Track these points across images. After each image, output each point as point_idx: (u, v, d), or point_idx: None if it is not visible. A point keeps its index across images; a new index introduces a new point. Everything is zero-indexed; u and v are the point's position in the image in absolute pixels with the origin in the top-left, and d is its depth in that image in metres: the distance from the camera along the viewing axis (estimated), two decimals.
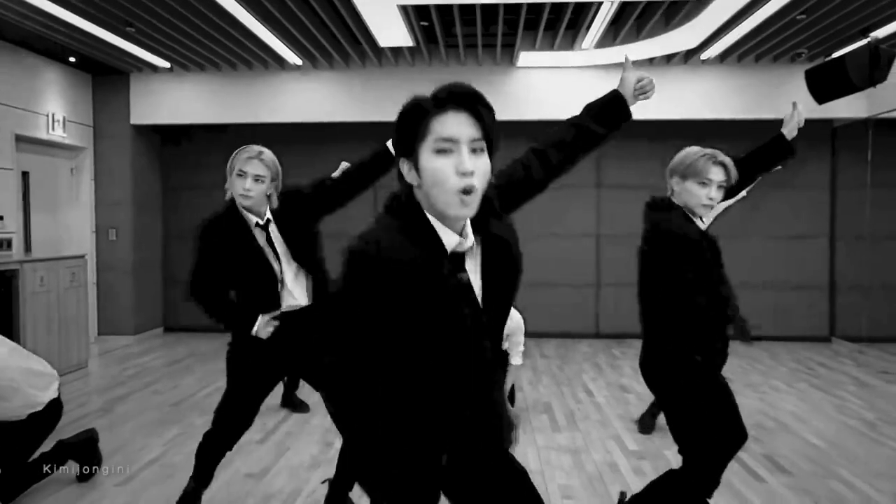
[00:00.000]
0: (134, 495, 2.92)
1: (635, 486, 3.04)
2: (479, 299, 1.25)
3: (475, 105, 1.18)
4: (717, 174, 2.14)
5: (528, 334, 3.72)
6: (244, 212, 2.35)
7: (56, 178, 6.42)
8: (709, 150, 2.21)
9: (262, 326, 2.34)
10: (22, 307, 4.72)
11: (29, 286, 4.78)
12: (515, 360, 3.56)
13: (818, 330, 6.84)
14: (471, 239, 1.24)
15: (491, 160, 1.22)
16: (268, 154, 2.37)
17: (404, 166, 1.22)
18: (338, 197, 2.55)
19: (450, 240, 1.21)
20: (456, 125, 1.16)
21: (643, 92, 1.60)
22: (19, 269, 4.73)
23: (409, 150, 1.19)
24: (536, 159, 1.51)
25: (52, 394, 2.81)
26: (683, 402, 2.10)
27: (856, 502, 2.86)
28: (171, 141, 7.25)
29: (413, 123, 1.19)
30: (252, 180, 2.29)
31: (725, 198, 2.46)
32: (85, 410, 4.22)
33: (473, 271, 1.25)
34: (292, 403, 4.22)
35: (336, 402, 1.25)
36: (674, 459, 3.35)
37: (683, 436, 2.12)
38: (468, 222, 1.24)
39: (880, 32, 5.19)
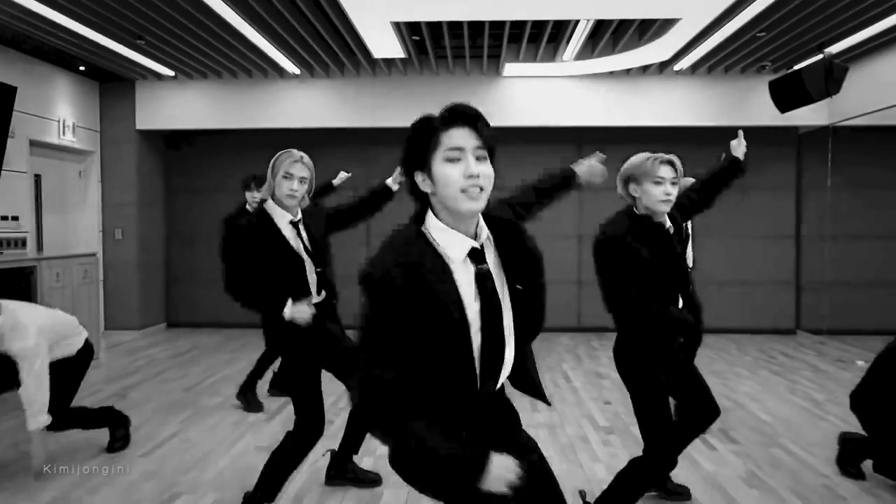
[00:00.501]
0: (158, 463, 3.28)
1: (603, 455, 3.45)
2: (505, 284, 1.42)
3: (475, 122, 1.37)
4: (667, 172, 2.34)
5: None
6: (275, 210, 2.56)
7: (65, 181, 6.75)
8: (653, 154, 2.43)
9: (299, 312, 2.49)
10: (39, 301, 5.05)
11: (46, 282, 5.12)
12: None
13: (784, 323, 7.30)
14: (485, 232, 1.41)
15: (493, 167, 1.40)
16: (307, 158, 2.66)
17: (419, 177, 1.37)
18: (347, 220, 2.99)
19: (462, 246, 1.36)
20: (462, 137, 1.35)
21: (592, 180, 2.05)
22: (37, 265, 5.06)
23: (423, 161, 1.36)
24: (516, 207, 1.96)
25: (84, 335, 3.35)
26: (646, 388, 2.32)
27: (790, 464, 3.29)
28: (172, 145, 7.60)
29: (425, 138, 1.36)
30: (297, 182, 2.57)
31: (685, 218, 2.69)
32: (101, 397, 4.56)
33: (494, 264, 1.41)
34: (280, 387, 4.55)
35: (370, 411, 1.34)
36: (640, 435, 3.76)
37: (646, 421, 2.33)
38: (481, 223, 1.41)
39: (835, 48, 5.64)
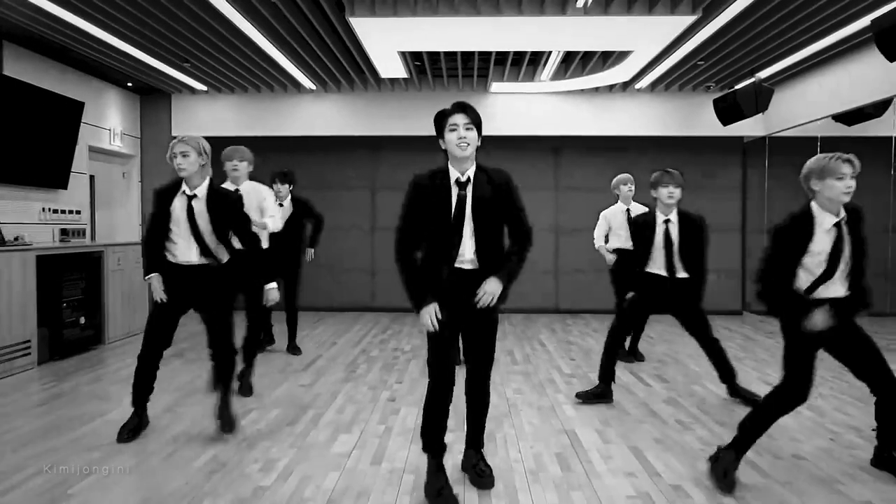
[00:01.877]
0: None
1: (565, 390, 4.55)
2: (471, 205, 2.51)
3: (466, 109, 2.54)
4: (847, 169, 2.70)
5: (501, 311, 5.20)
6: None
7: (112, 181, 7.77)
8: (837, 153, 2.76)
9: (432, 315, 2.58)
10: (105, 281, 6.09)
11: (110, 265, 6.15)
12: None
13: (732, 305, 8.47)
14: (468, 174, 2.55)
15: (479, 136, 2.53)
16: (189, 137, 3.27)
17: (441, 141, 2.56)
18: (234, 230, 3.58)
19: (458, 175, 2.54)
20: (457, 118, 2.51)
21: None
22: (104, 251, 6.09)
23: (440, 132, 2.56)
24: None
25: None
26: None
27: (702, 394, 4.42)
28: None
29: (440, 120, 2.56)
30: (181, 157, 3.19)
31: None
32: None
33: (470, 192, 2.54)
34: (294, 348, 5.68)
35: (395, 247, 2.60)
36: (597, 380, 4.88)
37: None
38: (472, 167, 2.54)
39: (764, 73, 6.82)
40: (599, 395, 4.15)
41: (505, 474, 2.92)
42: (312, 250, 5.86)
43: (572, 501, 2.66)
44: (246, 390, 4.32)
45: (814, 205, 2.80)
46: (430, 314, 2.51)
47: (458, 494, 2.67)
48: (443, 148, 2.58)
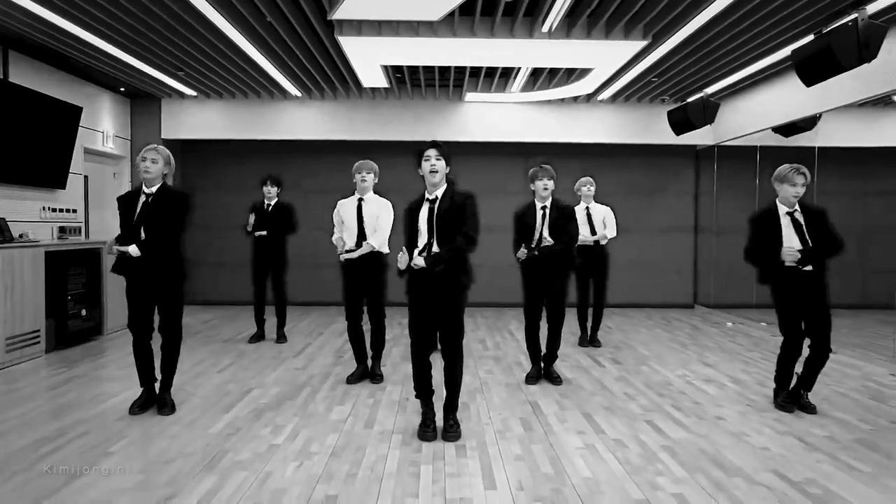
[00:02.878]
0: (230, 376, 4.83)
1: (528, 368, 5.16)
2: (437, 216, 3.38)
3: (437, 145, 3.43)
4: (799, 178, 3.89)
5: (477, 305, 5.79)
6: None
7: (103, 181, 8.12)
8: (795, 165, 3.95)
9: (123, 246, 3.75)
10: (104, 276, 6.49)
11: (109, 261, 6.54)
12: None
13: (685, 299, 9.23)
14: (437, 194, 3.42)
15: (447, 165, 3.43)
16: (162, 148, 3.88)
17: (419, 169, 3.46)
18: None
19: (429, 196, 3.43)
20: (430, 151, 3.42)
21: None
22: (103, 247, 6.49)
23: (419, 161, 3.46)
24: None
25: None
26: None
27: (647, 372, 5.08)
28: (188, 150, 9.02)
29: (419, 153, 3.45)
30: (150, 162, 3.80)
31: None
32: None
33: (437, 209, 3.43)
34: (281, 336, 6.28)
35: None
36: (558, 362, 5.50)
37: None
38: (439, 190, 3.42)
39: (710, 89, 7.55)
40: None
41: (477, 433, 3.50)
42: (262, 233, 6.03)
43: (532, 452, 3.25)
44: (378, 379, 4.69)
45: (777, 201, 4.00)
46: (403, 256, 3.43)
47: (441, 449, 3.25)
48: (420, 174, 3.46)
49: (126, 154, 8.33)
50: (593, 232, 5.99)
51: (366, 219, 4.60)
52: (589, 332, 6.21)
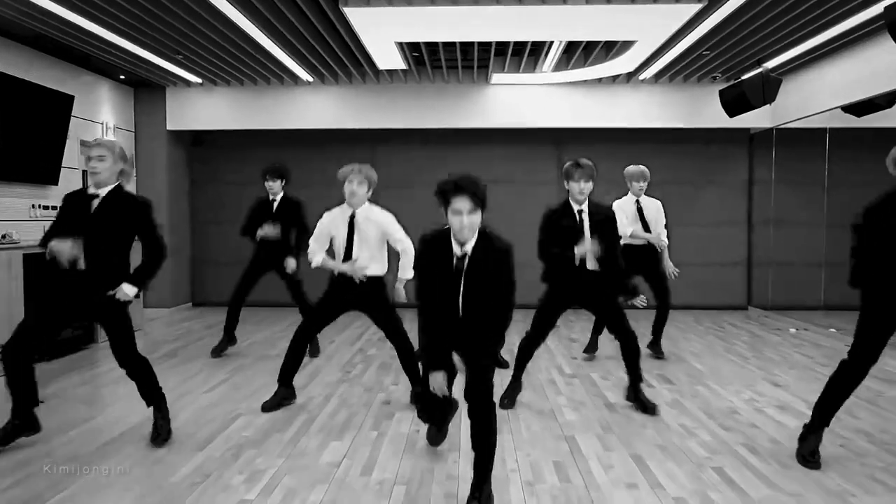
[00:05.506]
0: (220, 396, 4.23)
1: (566, 392, 4.42)
2: (464, 276, 2.64)
3: (469, 190, 2.50)
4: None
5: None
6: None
7: None
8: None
9: (57, 245, 2.98)
10: None
11: None
12: None
13: (738, 300, 8.32)
14: (466, 249, 2.62)
15: (482, 212, 2.57)
16: (106, 140, 3.27)
17: (443, 212, 2.59)
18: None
19: (458, 249, 2.62)
20: (461, 203, 2.51)
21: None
22: None
23: (444, 207, 2.56)
24: None
25: None
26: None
27: (706, 395, 4.28)
28: (196, 142, 8.49)
29: (445, 196, 2.55)
30: (96, 160, 3.13)
31: None
32: (157, 355, 5.49)
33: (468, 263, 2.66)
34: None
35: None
36: (599, 380, 4.74)
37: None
38: (470, 242, 2.61)
39: (771, 63, 6.62)
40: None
41: (500, 486, 2.79)
42: (294, 260, 5.23)
43: None
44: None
45: None
46: (436, 383, 2.68)
47: None
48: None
49: (130, 147, 7.83)
50: (647, 230, 5.19)
51: (358, 239, 3.83)
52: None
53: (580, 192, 3.84)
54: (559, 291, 3.97)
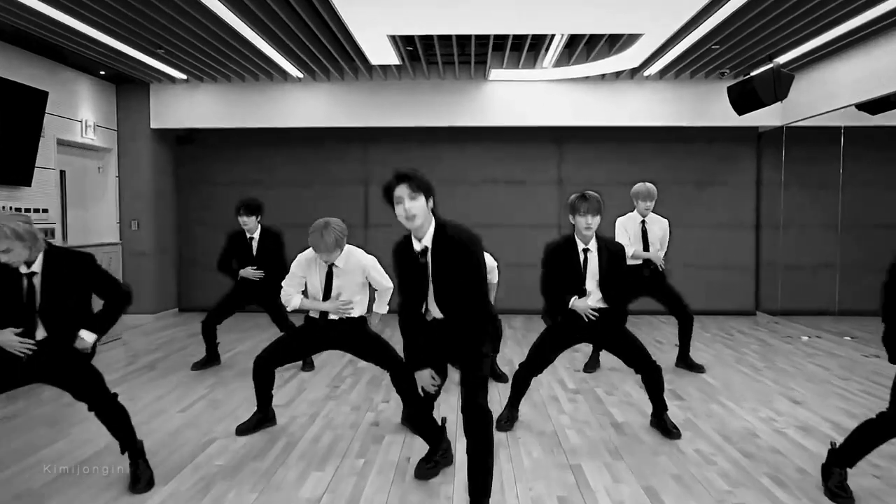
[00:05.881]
0: (194, 416, 3.91)
1: (569, 410, 4.11)
2: (431, 272, 2.58)
3: (408, 178, 2.49)
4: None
5: (503, 312, 4.69)
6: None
7: (86, 177, 7.31)
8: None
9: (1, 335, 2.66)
10: None
11: None
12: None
13: (745, 305, 8.01)
14: (426, 243, 2.55)
15: (429, 197, 2.51)
16: (9, 228, 2.60)
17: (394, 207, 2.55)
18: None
19: (417, 245, 2.57)
20: (400, 189, 2.49)
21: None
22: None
23: (391, 204, 2.54)
24: None
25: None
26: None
27: (721, 414, 3.97)
28: (182, 141, 8.15)
29: (388, 193, 2.53)
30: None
31: None
32: (134, 367, 5.17)
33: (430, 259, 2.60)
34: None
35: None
36: (604, 396, 4.43)
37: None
38: (427, 234, 2.55)
39: (785, 57, 6.31)
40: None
41: None
42: (260, 271, 4.95)
43: None
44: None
45: None
46: (423, 380, 2.74)
47: None
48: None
49: (112, 146, 7.50)
50: (646, 249, 4.90)
51: (337, 289, 3.50)
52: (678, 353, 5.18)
53: (587, 228, 3.48)
54: (561, 330, 3.65)
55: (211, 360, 5.26)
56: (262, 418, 3.69)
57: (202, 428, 3.69)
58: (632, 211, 5.00)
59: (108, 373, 3.76)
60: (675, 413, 3.99)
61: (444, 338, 2.68)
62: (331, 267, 3.49)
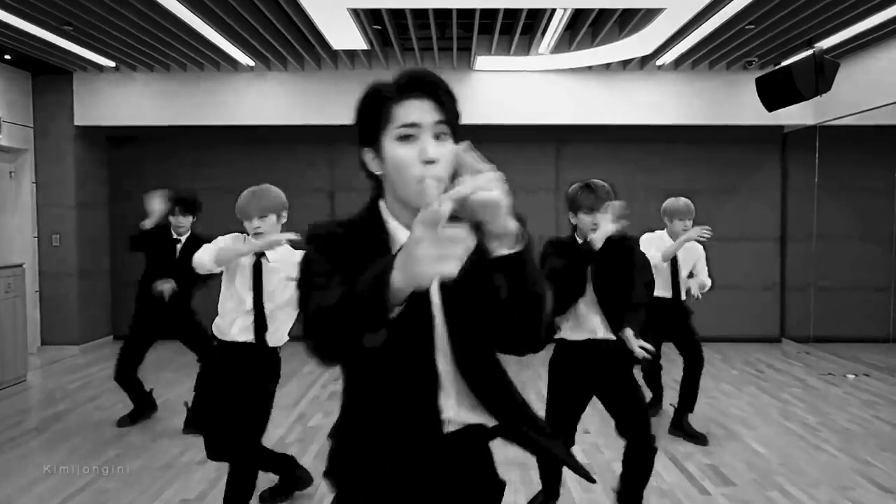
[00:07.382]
0: None
1: (579, 440, 3.05)
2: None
3: (437, 92, 1.16)
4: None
5: None
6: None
7: None
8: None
9: None
10: None
11: None
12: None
13: (769, 331, 7.01)
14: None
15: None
16: None
17: (367, 155, 1.17)
18: None
19: (402, 236, 1.16)
20: (419, 111, 1.13)
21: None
22: None
23: (372, 138, 1.15)
24: None
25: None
26: None
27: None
28: (115, 143, 7.00)
29: (375, 111, 1.14)
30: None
31: None
32: (19, 430, 4.03)
33: None
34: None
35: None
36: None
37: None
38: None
39: (825, 43, 5.31)
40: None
41: None
42: (172, 287, 3.98)
43: None
44: None
45: None
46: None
47: None
48: (374, 172, 1.20)
49: (28, 146, 6.33)
50: (675, 282, 3.84)
51: (268, 290, 2.71)
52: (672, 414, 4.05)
53: (593, 227, 2.50)
54: (568, 377, 2.66)
55: (143, 409, 4.20)
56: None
57: None
58: (661, 229, 3.94)
59: None
60: (719, 502, 2.93)
61: None
62: (259, 261, 2.71)
